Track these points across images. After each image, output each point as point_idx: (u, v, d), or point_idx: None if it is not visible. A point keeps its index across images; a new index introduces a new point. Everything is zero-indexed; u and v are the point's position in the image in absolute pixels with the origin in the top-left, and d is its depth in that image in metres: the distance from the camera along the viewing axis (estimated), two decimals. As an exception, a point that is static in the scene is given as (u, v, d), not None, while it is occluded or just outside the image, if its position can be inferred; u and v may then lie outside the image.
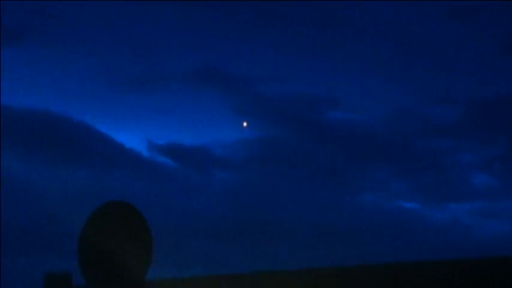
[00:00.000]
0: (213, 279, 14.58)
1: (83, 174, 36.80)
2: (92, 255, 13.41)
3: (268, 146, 41.82)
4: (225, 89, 43.31)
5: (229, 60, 45.18)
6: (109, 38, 43.83)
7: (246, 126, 41.20)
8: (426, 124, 41.22)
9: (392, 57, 42.84)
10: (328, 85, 44.76)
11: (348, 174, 41.54)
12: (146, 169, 39.78)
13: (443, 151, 41.26)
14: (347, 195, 41.04)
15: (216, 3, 41.66)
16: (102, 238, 13.06)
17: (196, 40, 44.69)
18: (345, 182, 41.35)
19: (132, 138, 50.12)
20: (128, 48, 43.79)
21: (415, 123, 41.64)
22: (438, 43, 42.52)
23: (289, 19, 42.76)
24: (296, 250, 30.45)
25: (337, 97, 44.40)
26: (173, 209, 35.16)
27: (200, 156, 41.73)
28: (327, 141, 41.35)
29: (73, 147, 38.53)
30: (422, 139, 41.83)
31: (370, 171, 41.50)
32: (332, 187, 40.86)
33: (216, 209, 36.72)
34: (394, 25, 42.27)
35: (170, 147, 41.58)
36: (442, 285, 11.74)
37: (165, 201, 35.97)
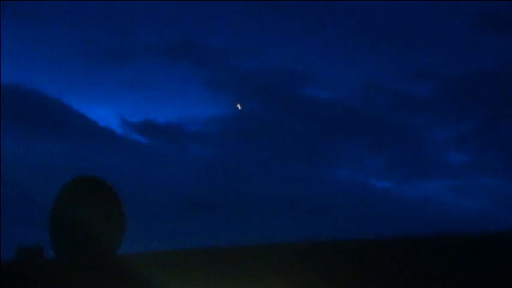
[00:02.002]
0: (188, 252, 14.56)
1: (56, 151, 36.53)
2: (63, 229, 13.31)
3: (242, 120, 41.76)
4: (199, 63, 43.09)
5: (203, 33, 44.91)
6: (82, 11, 43.33)
7: (241, 108, 41.06)
8: (400, 99, 41.29)
9: (367, 33, 42.83)
10: (303, 59, 44.68)
11: (322, 149, 41.64)
12: (120, 146, 39.48)
13: (418, 127, 41.41)
14: (321, 170, 41.16)
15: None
16: (73, 212, 12.96)
17: (169, 13, 44.34)
18: (320, 156, 41.46)
19: (106, 115, 49.65)
20: (101, 21, 43.25)
21: (390, 99, 41.69)
22: (413, 19, 42.56)
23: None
24: (269, 223, 30.47)
25: (312, 71, 44.37)
26: (147, 184, 35.02)
27: (174, 132, 41.59)
28: (302, 116, 41.33)
29: (47, 124, 38.21)
30: (397, 114, 41.92)
31: (345, 146, 41.59)
32: (306, 162, 40.93)
33: (191, 183, 36.69)
34: (369, 2, 42.20)
35: (144, 124, 41.44)
36: (415, 260, 11.81)
37: (139, 176, 35.84)
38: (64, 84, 42.35)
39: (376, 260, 12.12)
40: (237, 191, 35.58)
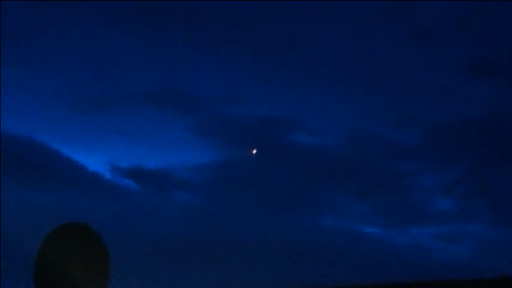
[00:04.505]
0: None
1: (43, 197, 36.32)
2: (48, 279, 13.18)
3: (229, 167, 41.74)
4: (187, 110, 43.14)
5: (190, 81, 45.07)
6: (69, 59, 43.44)
7: (255, 153, 41.15)
8: (387, 147, 41.34)
9: (354, 80, 43.11)
10: (290, 107, 44.74)
11: (309, 196, 41.50)
12: (109, 192, 39.33)
13: (405, 174, 41.38)
14: (309, 218, 40.99)
15: (177, 23, 41.64)
16: (58, 261, 12.84)
17: (156, 60, 44.51)
18: (307, 204, 41.30)
19: (95, 160, 49.44)
20: (88, 68, 43.37)
21: (377, 146, 41.73)
22: (399, 66, 42.84)
23: (251, 41, 42.84)
24: (257, 272, 30.28)
25: (299, 119, 44.43)
26: (134, 231, 34.78)
27: (163, 179, 41.43)
28: (288, 164, 41.27)
29: (34, 169, 38.04)
30: (384, 162, 41.94)
31: (332, 193, 41.49)
32: (293, 209, 40.74)
33: (178, 231, 36.45)
34: (355, 48, 42.57)
35: (133, 170, 41.29)
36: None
37: (126, 223, 35.62)
38: (52, 131, 42.21)
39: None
40: (224, 239, 35.44)
